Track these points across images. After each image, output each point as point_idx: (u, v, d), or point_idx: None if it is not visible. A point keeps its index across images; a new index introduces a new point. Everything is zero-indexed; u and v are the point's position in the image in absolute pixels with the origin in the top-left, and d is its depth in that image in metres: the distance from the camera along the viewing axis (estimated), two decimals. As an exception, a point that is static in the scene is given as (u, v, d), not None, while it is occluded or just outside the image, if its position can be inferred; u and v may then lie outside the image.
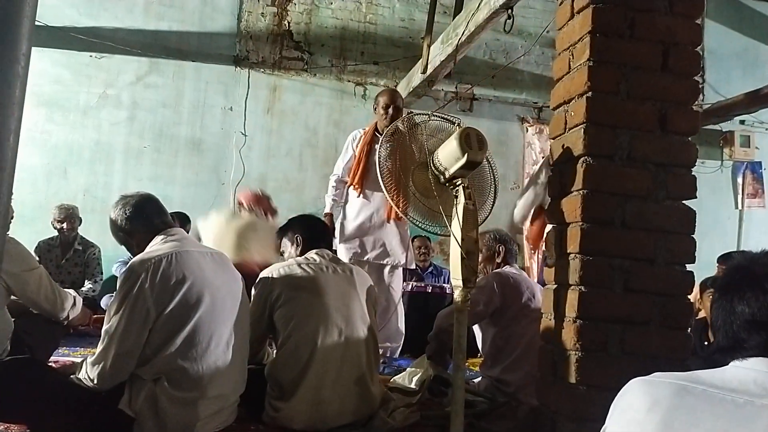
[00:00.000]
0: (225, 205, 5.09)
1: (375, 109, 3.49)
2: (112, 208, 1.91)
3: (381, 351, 3.33)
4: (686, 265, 1.81)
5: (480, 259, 2.49)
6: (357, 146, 3.48)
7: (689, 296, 1.83)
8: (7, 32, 0.83)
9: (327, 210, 3.55)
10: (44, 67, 4.92)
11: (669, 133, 1.85)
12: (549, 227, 2.03)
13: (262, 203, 3.70)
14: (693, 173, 1.87)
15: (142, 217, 1.88)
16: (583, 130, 1.81)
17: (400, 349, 3.46)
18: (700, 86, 5.68)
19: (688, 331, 1.82)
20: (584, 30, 1.86)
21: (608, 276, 1.75)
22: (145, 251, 1.81)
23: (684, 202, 1.84)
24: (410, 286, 3.93)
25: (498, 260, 2.58)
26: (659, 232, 1.79)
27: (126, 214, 1.88)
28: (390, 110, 3.34)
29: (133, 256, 1.85)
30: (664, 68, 1.87)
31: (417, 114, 2.30)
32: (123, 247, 1.97)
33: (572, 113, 1.90)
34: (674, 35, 1.88)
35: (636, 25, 1.86)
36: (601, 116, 1.82)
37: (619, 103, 1.83)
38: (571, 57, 1.94)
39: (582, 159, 1.80)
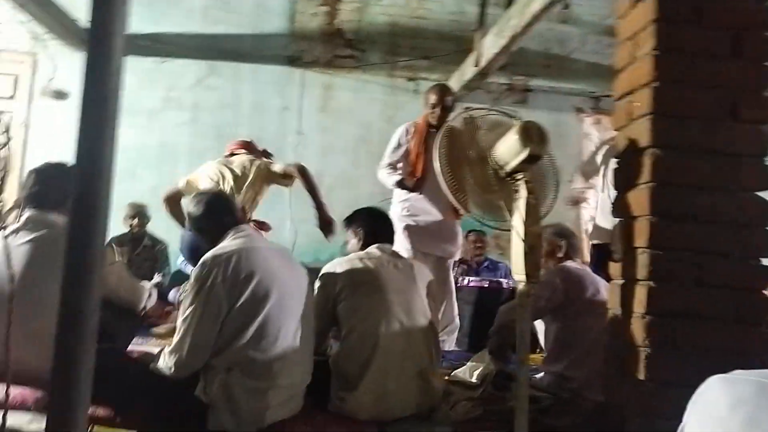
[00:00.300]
0: (282, 202, 5.23)
1: (426, 104, 3.48)
2: (189, 204, 2.04)
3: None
4: (762, 258, 1.74)
5: (542, 254, 2.49)
6: (411, 141, 3.47)
7: (765, 291, 1.77)
8: (103, 45, 0.89)
9: (396, 180, 3.46)
10: (112, 73, 5.17)
11: (740, 121, 1.79)
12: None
13: (253, 151, 3.77)
14: (765, 163, 1.80)
15: (213, 216, 1.99)
16: (649, 120, 1.77)
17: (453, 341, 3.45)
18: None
19: (765, 326, 1.75)
20: (648, 18, 1.82)
21: (678, 270, 1.71)
22: (217, 247, 1.90)
23: (757, 193, 1.78)
24: (466, 281, 3.93)
25: (560, 255, 2.55)
26: (732, 225, 1.73)
27: (199, 211, 2.00)
28: (437, 110, 3.32)
29: (206, 250, 1.95)
30: (733, 54, 1.81)
31: (474, 109, 2.30)
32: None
33: (638, 104, 1.86)
34: (744, 19, 1.81)
35: (704, 11, 1.80)
36: (668, 106, 1.78)
37: (686, 92, 1.78)
38: (634, 46, 1.90)
39: (649, 150, 1.77)
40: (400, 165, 3.52)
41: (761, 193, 1.78)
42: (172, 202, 3.65)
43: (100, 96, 0.92)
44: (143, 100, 5.29)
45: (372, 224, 2.30)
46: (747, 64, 1.82)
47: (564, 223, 2.68)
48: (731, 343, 1.70)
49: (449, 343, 3.42)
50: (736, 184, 1.76)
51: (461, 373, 2.46)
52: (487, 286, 3.92)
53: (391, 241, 2.29)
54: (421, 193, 3.41)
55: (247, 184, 3.54)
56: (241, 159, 3.65)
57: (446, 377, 2.42)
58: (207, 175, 3.56)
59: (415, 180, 3.36)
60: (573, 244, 2.58)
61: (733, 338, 1.70)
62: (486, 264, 4.77)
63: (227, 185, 3.48)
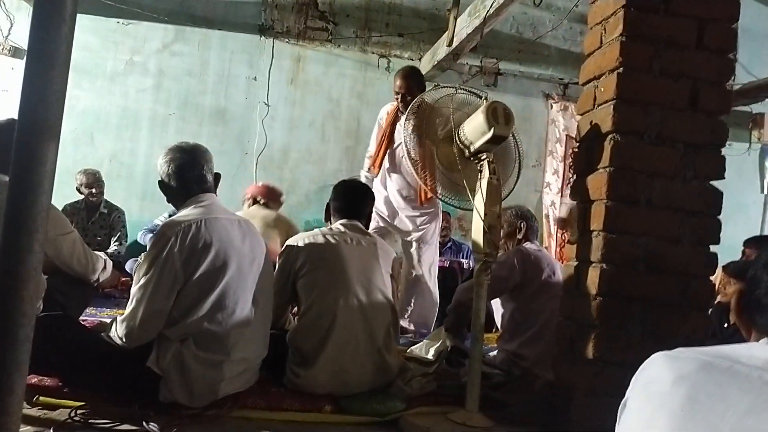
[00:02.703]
0: (248, 176, 5.15)
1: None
2: (161, 156, 1.94)
3: (414, 326, 3.38)
4: (710, 246, 1.80)
5: (501, 234, 2.49)
6: (384, 122, 3.46)
7: (711, 278, 1.83)
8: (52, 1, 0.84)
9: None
10: (72, 32, 4.96)
11: (700, 111, 1.83)
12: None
13: (274, 197, 3.77)
14: (722, 153, 1.84)
15: (181, 178, 1.91)
16: (612, 106, 1.79)
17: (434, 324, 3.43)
18: (733, 66, 5.51)
19: (708, 312, 1.82)
20: (618, 4, 1.83)
21: (631, 255, 1.75)
22: (176, 215, 1.86)
23: (711, 182, 1.82)
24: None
25: (519, 236, 2.59)
26: (685, 212, 1.78)
27: (168, 169, 1.91)
28: (398, 98, 3.30)
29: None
30: (698, 45, 1.84)
31: (443, 87, 2.29)
32: (146, 214, 2.03)
33: (602, 89, 1.88)
34: (711, 10, 1.84)
35: (672, 0, 1.82)
36: (631, 93, 1.80)
37: (650, 79, 1.81)
38: (603, 31, 1.91)
39: (610, 136, 1.79)
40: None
41: (714, 183, 1.83)
42: None
43: (48, 53, 0.88)
44: (105, 63, 5.09)
45: (338, 200, 2.27)
46: (710, 55, 1.85)
47: (524, 206, 2.71)
48: (678, 327, 1.75)
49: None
50: (692, 173, 1.80)
51: (417, 349, 2.49)
52: (447, 266, 3.96)
53: (361, 217, 2.26)
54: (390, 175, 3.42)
55: None
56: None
57: (404, 354, 2.44)
58: None
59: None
60: (532, 227, 2.62)
61: (679, 322, 1.76)
62: (449, 245, 4.81)
63: None
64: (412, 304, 3.45)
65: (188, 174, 1.92)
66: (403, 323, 3.38)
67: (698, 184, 1.80)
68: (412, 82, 3.34)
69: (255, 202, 3.79)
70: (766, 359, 0.75)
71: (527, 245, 2.54)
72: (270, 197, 3.83)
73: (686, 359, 0.79)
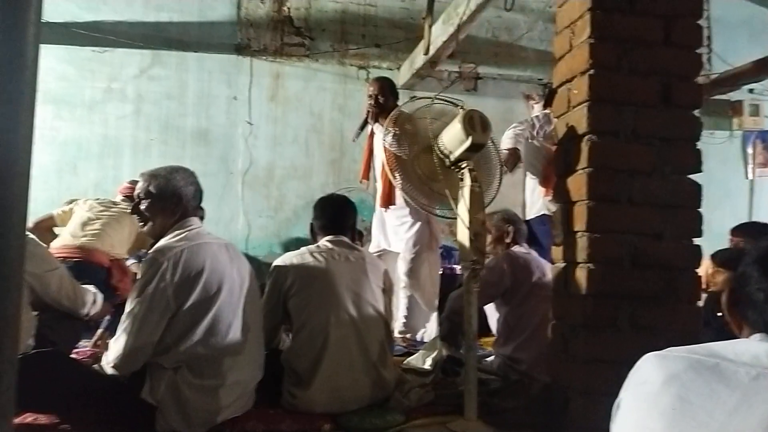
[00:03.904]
0: (234, 195, 5.14)
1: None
2: (150, 173, 1.92)
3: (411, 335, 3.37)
4: (693, 239, 1.82)
5: (489, 239, 2.58)
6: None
7: (698, 270, 1.85)
8: (13, 30, 0.84)
9: None
10: (49, 63, 4.94)
11: (673, 107, 1.85)
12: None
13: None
14: (698, 146, 1.87)
15: (187, 204, 1.89)
16: (586, 107, 1.82)
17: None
18: (707, 55, 5.59)
19: (698, 304, 1.83)
20: (584, 7, 1.86)
21: (616, 253, 1.76)
22: (165, 240, 1.84)
23: (690, 176, 1.85)
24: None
25: (507, 240, 2.62)
26: (665, 207, 1.80)
27: (153, 188, 1.88)
28: (371, 102, 3.34)
29: (146, 233, 1.92)
30: (666, 42, 1.87)
31: (420, 98, 2.31)
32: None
33: (575, 91, 1.90)
34: (675, 8, 1.87)
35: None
36: (604, 93, 1.82)
37: (621, 79, 1.83)
38: (572, 35, 1.94)
39: (586, 137, 1.81)
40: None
41: (697, 175, 1.85)
42: (42, 229, 3.37)
43: (14, 88, 0.87)
44: (83, 92, 5.07)
45: (325, 215, 2.27)
46: (678, 51, 1.88)
47: (510, 209, 2.73)
48: (668, 321, 1.77)
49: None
50: (669, 168, 1.82)
51: (414, 360, 2.49)
52: (441, 273, 3.95)
53: (346, 231, 2.25)
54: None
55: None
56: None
57: (400, 365, 2.44)
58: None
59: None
60: (520, 230, 2.65)
61: (669, 316, 1.77)
62: (440, 251, 4.82)
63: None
64: (407, 312, 3.44)
65: (195, 202, 1.93)
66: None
67: (677, 178, 1.82)
68: (386, 83, 3.40)
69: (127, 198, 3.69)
70: (753, 355, 0.76)
71: (516, 249, 2.57)
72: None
73: (676, 358, 0.81)
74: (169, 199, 1.89)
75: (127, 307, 1.77)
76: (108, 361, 1.75)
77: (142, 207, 1.90)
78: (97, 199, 3.45)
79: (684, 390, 0.76)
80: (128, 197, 3.45)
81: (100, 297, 2.30)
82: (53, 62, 4.97)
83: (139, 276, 1.78)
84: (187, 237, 1.84)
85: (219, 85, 5.26)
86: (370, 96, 3.38)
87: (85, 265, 2.89)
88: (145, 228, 1.93)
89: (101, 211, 3.25)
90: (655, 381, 0.79)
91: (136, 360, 1.74)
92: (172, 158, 5.14)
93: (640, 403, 0.81)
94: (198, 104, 5.23)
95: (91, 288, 2.28)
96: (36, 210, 4.80)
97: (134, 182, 3.60)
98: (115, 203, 3.45)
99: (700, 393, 0.75)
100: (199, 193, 1.95)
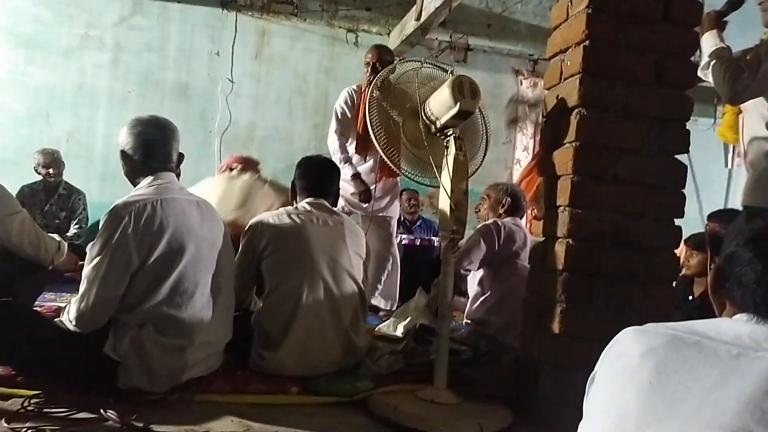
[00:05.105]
0: (211, 154, 5.03)
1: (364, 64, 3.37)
2: (129, 125, 1.85)
3: (383, 305, 3.37)
4: (674, 219, 1.81)
5: (486, 206, 2.73)
6: (355, 106, 3.32)
7: (676, 251, 1.85)
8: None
9: (352, 173, 3.26)
10: (23, 5, 4.72)
11: (665, 86, 1.82)
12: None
13: (251, 166, 3.63)
14: (687, 128, 1.85)
15: (146, 156, 1.82)
16: (578, 80, 1.77)
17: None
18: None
19: (673, 285, 1.84)
20: (584, -25, 1.79)
21: (596, 230, 1.75)
22: (130, 194, 1.77)
23: (676, 156, 1.83)
24: (399, 239, 3.94)
25: (501, 211, 2.69)
26: (650, 187, 1.78)
27: (134, 144, 1.82)
28: (368, 70, 3.23)
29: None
30: (664, 18, 1.82)
31: (408, 61, 2.24)
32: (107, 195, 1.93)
33: (568, 63, 1.85)
34: (676, -18, 1.82)
35: (638, -29, 1.79)
36: (597, 66, 1.78)
37: (616, 53, 1.79)
38: (569, 4, 1.88)
39: (576, 110, 1.77)
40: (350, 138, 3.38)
41: (679, 157, 1.83)
42: None
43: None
44: (59, 38, 4.86)
45: (308, 176, 2.21)
46: (676, 29, 1.84)
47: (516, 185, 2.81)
48: (643, 301, 1.77)
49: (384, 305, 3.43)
50: (657, 147, 1.80)
51: (385, 327, 2.48)
52: (417, 244, 3.95)
53: (328, 195, 2.20)
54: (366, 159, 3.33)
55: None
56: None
57: (372, 333, 2.43)
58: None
59: (364, 188, 3.22)
60: (517, 205, 2.71)
61: (644, 295, 1.77)
62: (419, 222, 4.81)
63: None
64: (382, 283, 3.44)
65: (155, 151, 1.84)
66: (375, 302, 3.37)
67: (663, 158, 1.80)
68: (384, 52, 3.31)
69: (230, 170, 3.64)
70: (735, 334, 0.75)
71: (506, 219, 2.64)
72: (245, 163, 3.68)
73: (655, 333, 0.80)
74: (135, 153, 1.82)
75: (88, 261, 1.70)
76: (69, 318, 1.69)
77: (120, 158, 1.86)
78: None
79: (662, 364, 0.75)
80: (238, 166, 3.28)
81: (64, 245, 2.21)
82: (28, 3, 4.75)
83: (100, 230, 1.71)
84: (154, 191, 1.77)
85: (201, 39, 5.09)
86: (368, 63, 3.28)
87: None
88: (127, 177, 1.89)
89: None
90: (633, 354, 0.79)
91: (98, 317, 1.68)
92: (149, 112, 4.89)
93: (616, 376, 0.81)
94: (179, 58, 5.07)
95: (55, 236, 2.20)
96: (6, 157, 4.65)
97: (241, 157, 3.48)
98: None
99: (679, 368, 0.74)
100: (149, 147, 1.83)
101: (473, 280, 2.60)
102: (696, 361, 0.74)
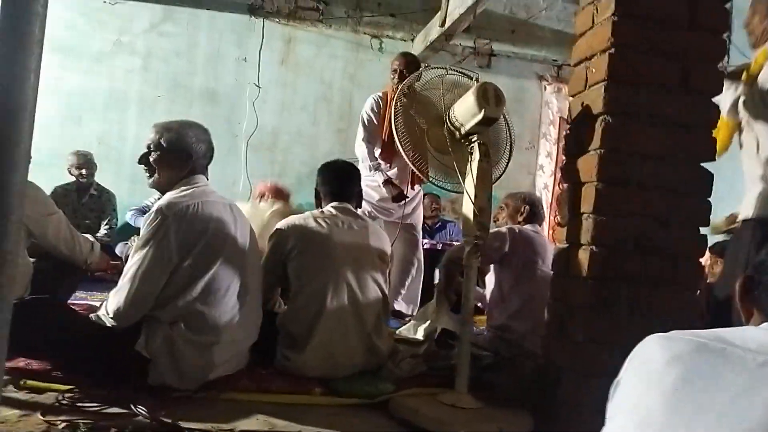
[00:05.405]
0: (237, 158, 5.11)
1: (391, 71, 3.40)
2: (163, 125, 1.88)
3: (405, 310, 3.39)
4: (700, 227, 1.80)
5: (505, 215, 2.75)
6: (381, 113, 3.33)
7: (701, 259, 1.83)
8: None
9: (384, 179, 3.29)
10: (57, 11, 4.87)
11: (692, 92, 1.81)
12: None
13: (282, 196, 3.70)
14: (713, 135, 1.83)
15: (199, 161, 1.87)
16: (604, 87, 1.77)
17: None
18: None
19: (698, 293, 1.82)
20: (610, -17, 1.80)
21: (620, 237, 1.74)
22: (171, 195, 1.82)
23: (703, 164, 1.82)
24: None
25: (519, 219, 2.70)
26: (675, 194, 1.77)
27: (196, 148, 1.87)
28: (395, 76, 3.27)
29: (151, 185, 1.89)
30: (691, 24, 1.81)
31: (434, 68, 2.26)
32: (136, 197, 1.98)
33: (593, 70, 1.85)
34: (702, -12, 1.81)
35: (664, -22, 1.79)
36: (622, 73, 1.77)
37: (642, 59, 1.78)
38: (595, 11, 1.88)
39: (601, 117, 1.77)
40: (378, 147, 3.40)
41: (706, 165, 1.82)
42: None
43: (20, 30, 0.85)
44: (91, 43, 5.01)
45: (330, 181, 2.25)
46: (703, 35, 1.82)
47: (535, 194, 2.80)
48: (667, 307, 1.75)
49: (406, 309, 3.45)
50: (683, 154, 1.79)
51: (405, 330, 2.50)
52: (439, 248, 3.96)
53: (351, 198, 2.24)
54: (392, 166, 3.36)
55: None
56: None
57: (393, 335, 2.45)
58: None
59: (398, 192, 3.26)
60: (536, 213, 2.73)
61: (668, 302, 1.76)
62: (438, 226, 4.82)
63: None
64: (406, 287, 3.46)
65: (205, 160, 1.91)
66: (398, 306, 3.39)
67: (689, 165, 1.79)
68: (411, 59, 3.34)
69: (261, 197, 3.72)
70: (761, 342, 0.75)
71: (525, 226, 2.65)
72: (275, 194, 3.75)
73: (681, 340, 0.80)
74: (178, 153, 1.86)
75: (131, 259, 1.76)
76: (108, 311, 1.75)
77: (151, 158, 1.88)
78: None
79: (687, 371, 0.75)
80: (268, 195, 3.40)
81: (98, 246, 2.29)
82: (62, 11, 4.90)
83: (143, 229, 1.77)
84: (194, 194, 1.82)
85: (229, 45, 5.18)
86: (395, 71, 3.32)
87: None
88: (151, 180, 1.91)
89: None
90: (658, 360, 0.79)
91: (136, 312, 1.74)
92: (178, 116, 5.00)
93: (641, 382, 0.81)
94: (207, 63, 5.17)
95: (89, 236, 2.27)
96: (40, 159, 4.78)
97: (274, 186, 3.57)
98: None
99: (704, 376, 0.74)
100: (210, 151, 1.94)
101: (494, 285, 2.61)
102: (721, 369, 0.73)
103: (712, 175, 1.80)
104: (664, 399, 0.76)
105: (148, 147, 1.90)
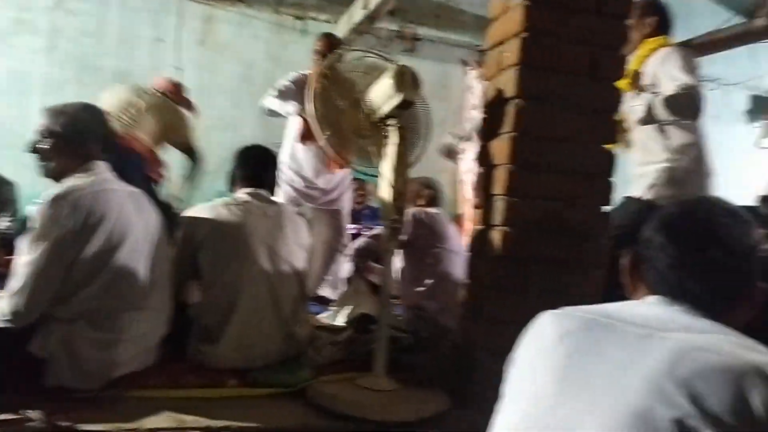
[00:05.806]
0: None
1: (314, 53, 3.33)
2: (59, 109, 1.75)
3: (329, 295, 3.35)
4: (603, 206, 1.87)
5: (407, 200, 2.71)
6: (299, 88, 3.26)
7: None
8: None
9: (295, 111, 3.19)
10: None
11: (599, 77, 1.87)
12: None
13: (178, 94, 3.54)
14: (614, 118, 1.91)
15: (83, 143, 1.74)
16: (516, 71, 1.80)
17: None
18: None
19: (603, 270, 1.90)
20: (521, -32, 1.82)
21: (532, 218, 1.79)
22: (66, 184, 1.69)
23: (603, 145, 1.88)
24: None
25: (421, 202, 2.81)
26: (582, 175, 1.84)
27: (73, 129, 1.73)
28: (318, 59, 3.19)
29: (44, 174, 1.76)
30: (597, 10, 1.87)
31: (354, 50, 2.22)
32: (39, 187, 1.81)
33: (507, 54, 1.88)
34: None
35: (574, -36, 1.83)
36: (534, 58, 1.81)
37: (552, 45, 1.82)
38: (508, -5, 1.90)
39: (513, 101, 1.80)
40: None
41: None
42: None
43: None
44: (-12, 19, 4.61)
45: (242, 167, 2.17)
46: (608, 21, 1.88)
47: (433, 178, 2.98)
48: (577, 286, 1.82)
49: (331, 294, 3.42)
50: (590, 137, 1.85)
51: (327, 317, 2.48)
52: (366, 233, 3.94)
53: (266, 183, 2.17)
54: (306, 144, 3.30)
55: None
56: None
57: (314, 324, 2.41)
58: None
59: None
60: (437, 196, 2.89)
61: (578, 281, 1.83)
62: (365, 211, 4.81)
63: None
64: (330, 273, 3.43)
65: (92, 138, 1.76)
66: (323, 292, 3.36)
67: (595, 147, 1.85)
68: (334, 41, 3.28)
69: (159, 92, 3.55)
70: (644, 316, 0.78)
71: (427, 209, 2.75)
72: (175, 92, 3.61)
73: (572, 317, 0.83)
74: (72, 139, 1.73)
75: (24, 255, 1.62)
76: (4, 311, 1.60)
77: (44, 145, 1.74)
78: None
79: (575, 347, 0.79)
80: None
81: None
82: (-50, -17, 4.47)
83: (36, 221, 1.63)
84: (91, 182, 1.70)
85: (143, 25, 4.91)
86: (317, 52, 3.24)
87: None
88: (45, 168, 1.77)
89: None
90: (550, 337, 0.82)
91: (35, 308, 1.61)
92: (88, 100, 4.76)
93: (533, 359, 0.84)
94: (120, 44, 4.88)
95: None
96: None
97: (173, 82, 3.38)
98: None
99: (590, 350, 0.78)
100: (109, 136, 1.80)
101: (402, 268, 2.70)
102: (606, 343, 0.77)
103: (614, 156, 1.88)
104: (554, 374, 0.78)
105: (40, 133, 1.75)
